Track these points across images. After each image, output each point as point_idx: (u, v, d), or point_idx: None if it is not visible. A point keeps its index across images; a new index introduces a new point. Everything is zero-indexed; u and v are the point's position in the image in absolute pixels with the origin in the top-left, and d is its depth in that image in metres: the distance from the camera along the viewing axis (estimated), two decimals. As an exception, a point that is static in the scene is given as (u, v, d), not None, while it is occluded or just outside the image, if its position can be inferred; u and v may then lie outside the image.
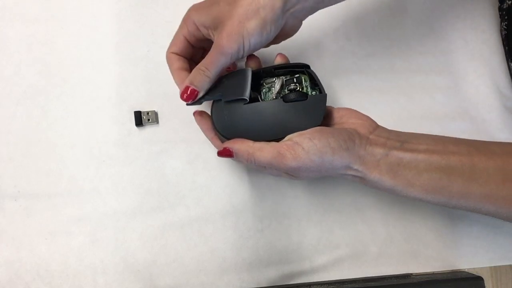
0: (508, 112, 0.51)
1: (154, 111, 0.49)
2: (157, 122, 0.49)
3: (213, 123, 0.41)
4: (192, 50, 0.42)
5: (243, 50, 0.37)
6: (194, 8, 0.39)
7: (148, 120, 0.49)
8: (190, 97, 0.39)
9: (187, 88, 0.39)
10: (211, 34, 0.39)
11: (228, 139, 0.40)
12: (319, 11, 0.54)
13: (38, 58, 0.50)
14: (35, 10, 0.50)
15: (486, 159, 0.37)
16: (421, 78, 0.52)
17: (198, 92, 0.39)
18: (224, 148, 0.39)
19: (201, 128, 0.43)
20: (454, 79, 0.52)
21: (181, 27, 0.40)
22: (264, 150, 0.37)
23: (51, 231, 0.47)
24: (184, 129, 0.49)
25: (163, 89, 0.50)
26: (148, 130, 0.49)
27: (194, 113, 0.43)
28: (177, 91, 0.50)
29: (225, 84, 0.40)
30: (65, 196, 0.47)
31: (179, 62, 0.41)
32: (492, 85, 0.52)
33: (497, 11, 0.53)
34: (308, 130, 0.37)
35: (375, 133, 0.39)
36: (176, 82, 0.41)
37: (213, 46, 0.38)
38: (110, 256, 0.47)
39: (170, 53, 0.41)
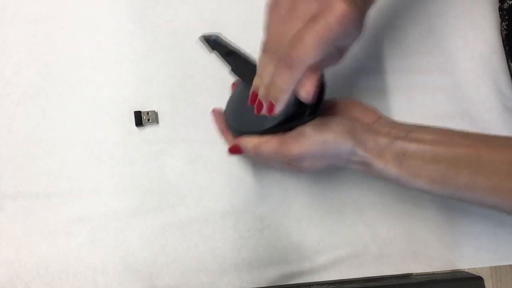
0: (508, 112, 0.51)
1: (154, 111, 0.49)
2: (157, 122, 0.49)
3: (226, 118, 0.44)
4: None
5: None
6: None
7: (148, 120, 0.49)
8: None
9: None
10: None
11: (238, 131, 0.42)
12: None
13: (38, 58, 0.50)
14: (35, 10, 0.50)
15: (493, 151, 0.37)
16: (421, 78, 0.52)
17: None
18: (234, 145, 0.41)
19: (217, 125, 0.45)
20: (454, 79, 0.52)
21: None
22: (268, 142, 0.38)
23: (51, 231, 0.47)
24: (184, 129, 0.49)
25: (163, 89, 0.50)
26: (148, 130, 0.49)
27: (213, 111, 0.46)
28: (177, 90, 0.50)
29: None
30: (65, 196, 0.47)
31: None
32: (492, 85, 0.52)
33: (497, 11, 0.53)
34: (311, 120, 0.38)
35: (379, 123, 0.39)
36: None
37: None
38: (110, 256, 0.47)
39: None
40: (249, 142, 0.40)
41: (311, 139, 0.37)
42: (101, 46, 0.50)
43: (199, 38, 0.39)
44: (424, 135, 0.38)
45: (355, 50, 0.52)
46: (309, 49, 0.32)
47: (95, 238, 0.47)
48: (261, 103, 0.37)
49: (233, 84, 0.46)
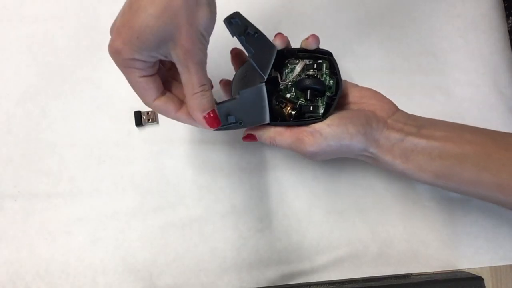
0: (508, 112, 0.51)
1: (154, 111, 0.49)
2: (157, 122, 0.49)
3: None
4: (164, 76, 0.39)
5: (207, 44, 0.35)
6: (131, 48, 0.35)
7: (148, 120, 0.49)
8: (216, 120, 0.37)
9: (208, 118, 0.36)
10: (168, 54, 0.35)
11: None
12: (320, 13, 0.54)
13: (38, 58, 0.50)
14: (35, 10, 0.50)
15: (501, 149, 0.37)
16: (421, 78, 0.52)
17: (215, 110, 0.37)
18: (248, 134, 0.42)
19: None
20: (454, 79, 0.52)
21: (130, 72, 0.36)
22: (284, 135, 0.39)
23: (51, 231, 0.47)
24: (184, 129, 0.49)
25: (163, 89, 0.50)
26: (148, 130, 0.49)
27: (220, 81, 0.45)
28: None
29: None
30: (65, 196, 0.48)
31: (176, 102, 0.37)
32: (493, 85, 0.52)
33: (498, 11, 0.53)
34: (328, 117, 0.38)
35: (394, 117, 0.40)
36: (188, 122, 0.38)
37: (182, 62, 0.34)
38: (110, 256, 0.47)
39: (154, 101, 0.37)
40: (265, 133, 0.40)
41: (327, 140, 0.38)
42: (101, 46, 0.50)
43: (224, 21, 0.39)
44: (435, 132, 0.39)
45: (355, 50, 0.52)
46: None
47: (95, 238, 0.47)
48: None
49: (221, 81, 0.45)
